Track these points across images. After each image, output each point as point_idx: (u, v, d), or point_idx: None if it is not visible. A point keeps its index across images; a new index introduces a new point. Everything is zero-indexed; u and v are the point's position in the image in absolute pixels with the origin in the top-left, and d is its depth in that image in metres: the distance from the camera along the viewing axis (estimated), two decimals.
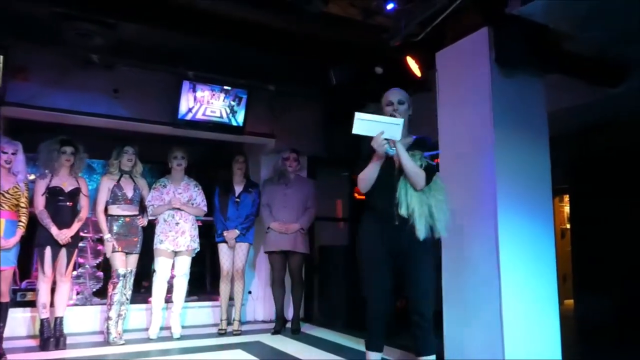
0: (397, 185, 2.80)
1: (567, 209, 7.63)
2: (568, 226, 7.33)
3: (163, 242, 4.76)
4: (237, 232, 5.03)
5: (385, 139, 2.73)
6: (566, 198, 7.49)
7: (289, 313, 5.34)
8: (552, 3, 3.06)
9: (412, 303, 2.82)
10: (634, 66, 4.01)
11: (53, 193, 4.30)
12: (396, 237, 2.80)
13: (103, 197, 4.61)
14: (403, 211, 2.76)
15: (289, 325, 5.24)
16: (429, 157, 2.86)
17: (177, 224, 4.81)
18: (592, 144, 5.70)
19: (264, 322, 5.70)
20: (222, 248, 5.10)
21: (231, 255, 5.09)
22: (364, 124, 2.72)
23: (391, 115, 2.87)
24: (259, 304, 5.88)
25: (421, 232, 2.74)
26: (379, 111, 2.95)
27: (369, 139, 2.76)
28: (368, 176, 2.86)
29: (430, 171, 2.84)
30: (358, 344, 4.50)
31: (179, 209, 4.83)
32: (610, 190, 5.60)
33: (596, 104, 4.45)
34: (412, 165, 2.78)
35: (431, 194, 2.83)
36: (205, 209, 5.03)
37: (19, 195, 4.00)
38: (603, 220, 5.62)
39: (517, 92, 3.44)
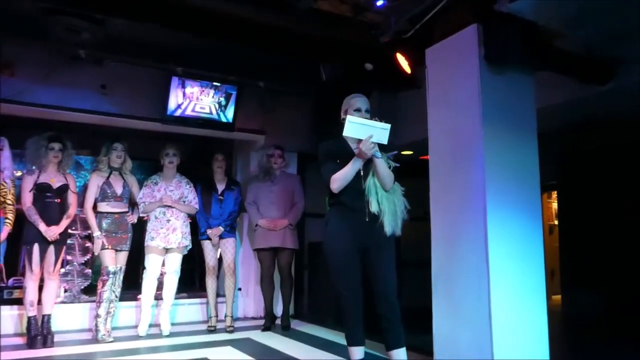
0: (366, 184, 2.95)
1: (555, 205, 7.70)
2: (556, 222, 7.40)
3: (154, 239, 4.74)
4: (221, 229, 5.03)
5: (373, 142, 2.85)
6: (554, 194, 7.56)
7: (279, 309, 5.33)
8: (542, 1, 3.08)
9: (380, 296, 2.92)
10: (622, 64, 4.04)
11: (41, 189, 4.26)
12: (366, 233, 2.94)
13: (92, 194, 4.57)
14: (374, 208, 2.91)
15: (278, 321, 5.24)
16: (391, 157, 3.04)
17: (168, 221, 4.79)
18: (580, 141, 5.76)
19: (253, 318, 5.70)
20: (207, 245, 5.09)
21: (216, 251, 5.09)
22: (354, 126, 2.84)
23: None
24: (248, 300, 5.88)
25: (389, 228, 2.91)
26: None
27: (330, 141, 3.03)
28: (345, 177, 2.96)
29: (394, 172, 3.04)
30: None
31: (170, 206, 4.80)
32: (598, 187, 5.66)
33: (585, 102, 4.48)
34: (385, 168, 2.97)
35: (395, 194, 3.03)
36: (197, 206, 5.01)
37: (5, 192, 3.96)
38: (591, 216, 5.69)
39: (507, 89, 3.45)
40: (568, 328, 5.46)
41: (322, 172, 3.08)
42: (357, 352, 2.97)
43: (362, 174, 2.98)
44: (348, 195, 2.99)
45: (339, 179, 2.96)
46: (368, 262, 2.98)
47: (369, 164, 2.96)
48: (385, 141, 2.88)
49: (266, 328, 5.03)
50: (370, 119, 2.99)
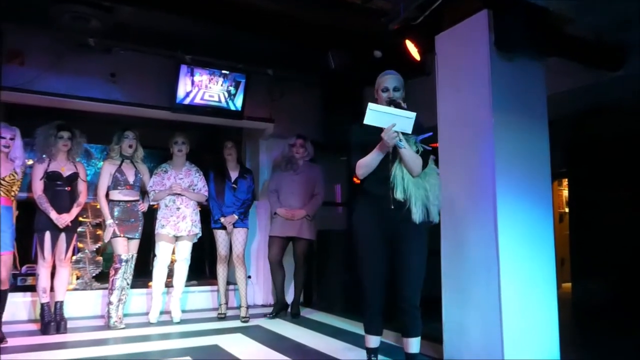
0: (392, 170, 2.78)
1: (565, 192, 7.65)
2: (566, 210, 7.35)
3: (164, 227, 4.77)
4: (235, 217, 5.03)
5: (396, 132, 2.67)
6: (565, 182, 7.50)
7: (288, 297, 5.36)
8: None
9: (400, 289, 2.81)
10: (633, 50, 3.98)
11: (51, 178, 4.29)
12: (391, 221, 2.79)
13: (105, 182, 4.60)
14: (399, 195, 2.74)
15: (288, 310, 5.27)
16: (421, 140, 2.83)
17: (178, 209, 4.82)
18: (591, 128, 5.69)
19: (263, 306, 5.74)
20: (220, 234, 5.09)
21: (228, 240, 5.10)
22: (376, 114, 2.67)
23: (389, 102, 2.84)
24: (258, 288, 5.92)
25: (417, 216, 2.74)
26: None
27: (359, 127, 2.74)
28: (370, 164, 2.82)
29: (426, 156, 2.83)
30: (357, 328, 4.54)
31: (180, 194, 4.83)
32: (609, 175, 5.61)
33: (596, 88, 4.43)
34: (412, 153, 2.76)
35: (426, 179, 2.83)
36: (207, 194, 5.02)
37: (14, 181, 4.00)
38: (601, 204, 5.64)
39: (517, 76, 3.42)
40: (578, 316, 5.45)
41: (350, 156, 2.94)
42: (373, 340, 2.94)
43: (390, 158, 2.80)
44: (373, 181, 2.85)
45: (363, 166, 2.84)
46: (394, 251, 2.83)
47: (396, 149, 2.75)
48: (409, 130, 2.68)
49: (272, 315, 5.06)
50: (405, 97, 2.90)
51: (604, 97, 4.76)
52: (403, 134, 2.70)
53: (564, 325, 3.56)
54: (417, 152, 2.79)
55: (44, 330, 4.20)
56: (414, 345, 2.82)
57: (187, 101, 5.20)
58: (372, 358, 2.96)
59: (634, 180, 5.38)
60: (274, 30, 4.58)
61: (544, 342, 3.36)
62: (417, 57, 4.12)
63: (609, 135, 5.57)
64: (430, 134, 2.85)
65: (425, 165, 2.82)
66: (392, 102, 2.82)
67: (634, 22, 3.66)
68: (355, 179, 6.52)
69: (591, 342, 4.23)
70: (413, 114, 2.68)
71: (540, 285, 3.39)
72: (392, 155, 2.80)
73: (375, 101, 2.85)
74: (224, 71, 5.32)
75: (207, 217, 5.16)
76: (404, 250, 2.80)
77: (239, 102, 5.48)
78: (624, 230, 5.36)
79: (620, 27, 3.79)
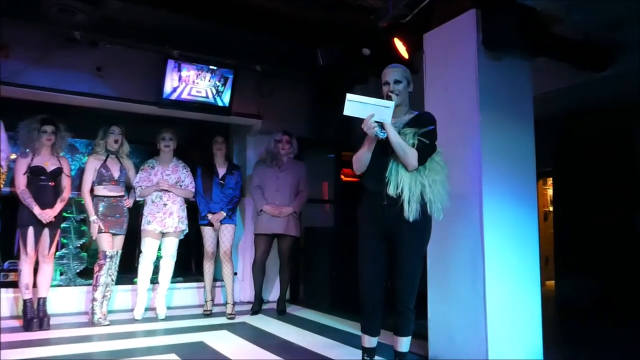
0: (389, 165, 2.72)
1: (550, 191, 7.73)
2: (551, 209, 7.43)
3: (151, 223, 4.74)
4: (223, 214, 5.00)
5: (376, 122, 2.63)
6: (550, 181, 7.58)
7: (270, 294, 5.35)
8: None
9: (394, 290, 2.77)
10: (620, 50, 4.03)
11: (35, 172, 4.24)
12: (386, 218, 2.72)
13: (89, 177, 4.55)
14: (391, 191, 2.66)
15: (272, 305, 5.27)
16: (421, 134, 2.72)
17: (165, 205, 4.78)
18: (577, 127, 5.76)
19: (249, 302, 5.71)
20: (207, 231, 5.06)
21: (215, 237, 5.07)
22: (354, 105, 2.63)
23: (387, 96, 2.79)
24: (244, 285, 5.90)
25: (408, 213, 2.64)
26: (366, 93, 2.90)
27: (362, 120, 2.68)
28: (360, 158, 2.79)
29: (424, 150, 2.71)
30: (343, 325, 4.56)
31: (167, 190, 4.80)
32: (594, 174, 5.67)
33: (582, 88, 4.48)
34: (400, 144, 2.67)
35: (426, 174, 2.72)
36: (194, 190, 4.99)
37: None
38: (586, 203, 5.71)
39: (504, 75, 3.44)
40: (561, 313, 5.52)
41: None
42: (368, 340, 2.88)
43: (389, 152, 2.72)
44: (369, 177, 2.80)
45: (355, 161, 2.81)
46: (391, 250, 2.77)
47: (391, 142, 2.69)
48: (388, 120, 2.63)
49: (255, 311, 5.06)
50: (408, 85, 2.86)
51: (590, 97, 4.82)
52: (405, 126, 2.69)
53: (548, 322, 3.59)
54: (414, 145, 2.69)
55: (27, 327, 4.15)
56: (404, 344, 2.81)
57: (174, 96, 5.16)
58: (366, 358, 2.90)
59: (618, 179, 5.46)
60: (263, 26, 4.57)
61: (528, 340, 3.39)
62: (405, 55, 4.13)
63: (594, 135, 5.64)
64: (432, 127, 2.75)
65: (424, 159, 2.71)
66: (388, 97, 2.77)
67: (621, 23, 3.70)
68: (342, 177, 6.60)
69: (574, 339, 4.28)
70: (391, 103, 2.65)
71: (525, 282, 3.42)
72: (392, 150, 2.71)
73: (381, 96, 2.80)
74: (211, 67, 5.28)
75: (194, 213, 5.13)
76: (398, 249, 2.74)
77: (226, 98, 5.45)
78: (607, 229, 5.44)
79: (607, 27, 3.83)
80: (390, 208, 2.69)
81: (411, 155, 2.68)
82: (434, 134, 2.77)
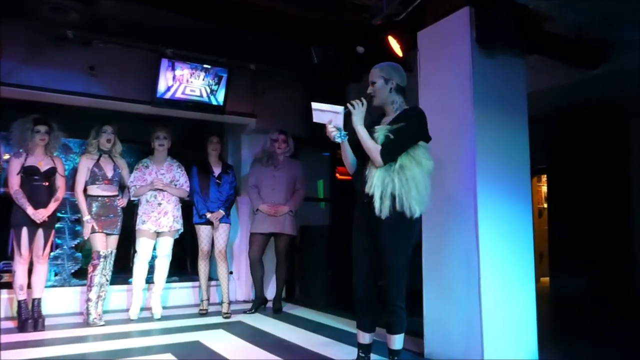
0: (368, 164, 2.79)
1: (544, 188, 7.77)
2: (545, 205, 7.47)
3: (145, 223, 4.72)
4: (222, 212, 5.00)
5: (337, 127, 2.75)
6: (544, 178, 7.62)
7: (266, 293, 5.35)
8: None
9: (383, 289, 2.81)
10: (613, 48, 4.05)
11: (28, 172, 4.21)
12: (368, 217, 2.76)
13: (82, 177, 4.52)
14: (367, 189, 2.71)
15: (269, 305, 5.27)
16: (395, 129, 2.74)
17: (159, 204, 4.77)
18: (570, 124, 5.79)
19: (245, 302, 5.72)
20: (202, 230, 5.05)
21: (210, 236, 5.06)
22: (318, 113, 2.76)
23: (368, 97, 2.89)
24: (239, 284, 5.89)
25: (380, 211, 2.67)
26: (361, 91, 2.97)
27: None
28: (344, 161, 2.94)
29: (390, 147, 2.72)
30: (339, 323, 4.57)
31: (161, 189, 4.78)
32: (587, 171, 5.71)
33: (575, 86, 4.50)
34: (365, 143, 2.75)
35: (398, 170, 2.71)
36: (189, 190, 4.98)
37: None
38: (580, 200, 5.74)
39: (498, 72, 3.45)
40: (556, 309, 5.54)
41: None
42: (362, 336, 2.93)
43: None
44: (355, 177, 2.90)
45: (344, 162, 2.97)
46: (376, 248, 2.82)
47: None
48: (341, 124, 2.74)
49: (251, 311, 5.04)
50: (387, 82, 2.89)
51: (583, 95, 4.84)
52: (393, 123, 2.76)
53: (542, 318, 3.61)
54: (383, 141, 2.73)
55: (21, 328, 4.13)
56: (396, 341, 2.82)
57: (168, 95, 5.14)
58: (361, 354, 2.94)
59: (611, 176, 5.49)
60: (257, 24, 4.56)
61: (523, 336, 3.41)
62: (399, 53, 4.14)
63: (587, 132, 5.67)
64: (404, 124, 2.76)
65: (389, 155, 2.70)
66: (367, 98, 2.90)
67: (613, 21, 3.71)
68: (337, 175, 6.61)
69: (568, 335, 4.30)
70: (341, 108, 2.74)
71: (520, 279, 3.44)
72: None
73: None
74: (205, 65, 5.27)
75: (189, 212, 5.12)
76: (381, 247, 2.79)
77: (220, 96, 5.43)
78: (601, 226, 5.47)
79: (599, 25, 3.84)
80: (370, 206, 2.73)
81: (374, 152, 2.72)
82: (406, 130, 2.75)
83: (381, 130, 2.76)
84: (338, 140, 2.78)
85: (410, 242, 2.82)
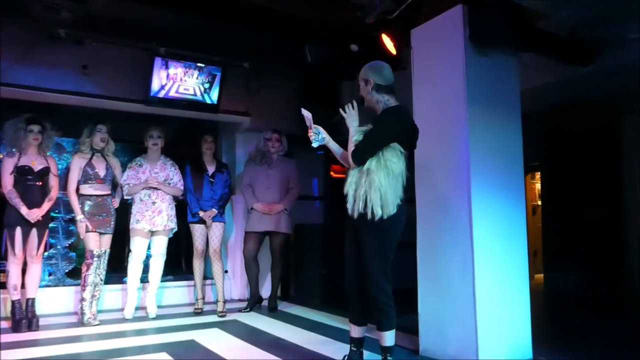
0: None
1: (538, 185, 7.79)
2: (539, 203, 7.49)
3: (140, 222, 4.71)
4: (215, 211, 5.00)
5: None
6: (538, 175, 7.64)
7: (261, 291, 5.34)
8: None
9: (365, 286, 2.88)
10: (605, 45, 4.07)
11: (22, 172, 4.20)
12: (351, 217, 2.86)
13: (75, 176, 4.50)
14: (344, 190, 2.87)
15: (265, 303, 5.27)
16: (365, 131, 2.87)
17: (153, 203, 4.76)
18: (563, 122, 5.81)
19: (240, 300, 5.72)
20: (197, 228, 5.05)
21: (205, 235, 5.06)
22: (307, 118, 2.98)
23: (360, 98, 3.00)
24: (234, 283, 5.89)
25: (352, 210, 2.82)
26: (354, 90, 3.06)
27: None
28: (338, 158, 3.08)
29: (358, 149, 2.81)
30: (334, 321, 4.57)
31: (155, 188, 4.77)
32: (581, 168, 5.73)
33: (568, 83, 4.51)
34: (339, 148, 3.04)
35: (366, 173, 2.77)
36: (182, 188, 4.97)
37: None
38: (573, 197, 5.77)
39: (491, 70, 3.46)
40: (550, 306, 5.57)
41: None
42: (354, 330, 2.99)
43: None
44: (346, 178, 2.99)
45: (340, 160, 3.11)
46: None
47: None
48: (321, 130, 3.01)
49: (246, 309, 5.04)
50: (367, 84, 2.95)
51: (576, 92, 4.86)
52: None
53: (536, 315, 3.63)
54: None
55: (15, 328, 4.12)
56: (386, 338, 2.83)
57: (161, 94, 5.13)
58: (352, 348, 2.98)
59: (604, 173, 5.52)
60: (251, 23, 4.54)
61: (517, 332, 3.42)
62: (393, 51, 4.13)
63: (580, 129, 5.69)
64: (369, 126, 2.86)
65: (357, 157, 2.80)
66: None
67: (605, 19, 3.73)
68: (332, 173, 6.60)
69: (562, 331, 4.33)
70: (308, 114, 2.95)
71: (514, 276, 3.45)
72: None
73: None
74: (199, 64, 5.25)
75: (183, 211, 5.11)
76: (360, 246, 2.86)
77: (214, 95, 5.42)
78: (595, 222, 5.50)
79: (593, 23, 3.86)
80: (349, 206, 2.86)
81: (349, 154, 2.87)
82: (373, 132, 2.83)
83: (359, 132, 2.87)
84: (314, 144, 2.99)
85: (385, 241, 2.82)
